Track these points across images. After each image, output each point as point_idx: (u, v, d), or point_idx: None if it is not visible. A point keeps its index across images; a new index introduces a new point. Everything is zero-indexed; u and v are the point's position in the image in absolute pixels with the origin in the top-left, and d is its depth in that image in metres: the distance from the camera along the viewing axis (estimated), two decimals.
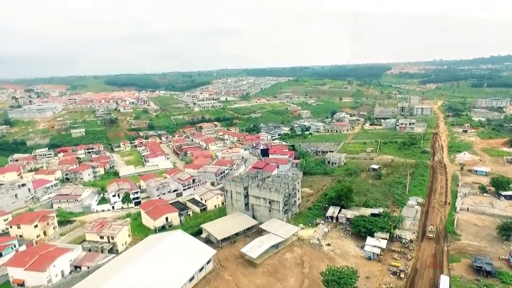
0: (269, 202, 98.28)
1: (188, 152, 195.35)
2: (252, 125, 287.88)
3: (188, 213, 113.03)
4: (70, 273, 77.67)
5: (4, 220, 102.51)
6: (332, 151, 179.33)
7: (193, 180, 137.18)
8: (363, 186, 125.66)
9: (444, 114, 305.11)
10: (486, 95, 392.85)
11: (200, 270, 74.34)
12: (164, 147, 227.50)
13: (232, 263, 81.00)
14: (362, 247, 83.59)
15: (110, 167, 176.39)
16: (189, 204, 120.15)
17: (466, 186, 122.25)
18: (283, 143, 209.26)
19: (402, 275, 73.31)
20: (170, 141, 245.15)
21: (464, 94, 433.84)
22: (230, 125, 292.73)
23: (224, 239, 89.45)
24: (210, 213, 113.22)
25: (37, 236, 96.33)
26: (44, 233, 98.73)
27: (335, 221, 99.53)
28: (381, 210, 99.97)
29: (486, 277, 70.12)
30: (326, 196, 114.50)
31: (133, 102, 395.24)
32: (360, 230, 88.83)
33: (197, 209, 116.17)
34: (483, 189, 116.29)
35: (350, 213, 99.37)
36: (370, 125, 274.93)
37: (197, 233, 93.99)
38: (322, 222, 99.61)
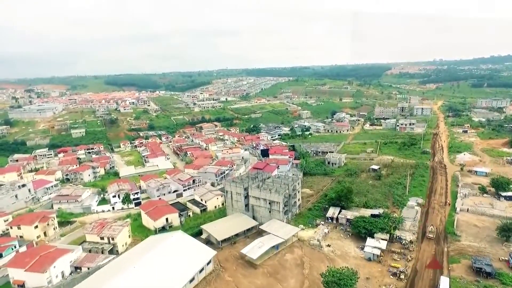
0: (269, 203, 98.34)
1: (188, 153, 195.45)
2: (252, 126, 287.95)
3: (188, 213, 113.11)
4: (70, 274, 77.70)
5: (5, 221, 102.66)
6: (332, 152, 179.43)
7: (193, 181, 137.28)
8: (363, 187, 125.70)
9: (444, 114, 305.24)
10: (486, 95, 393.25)
11: (200, 271, 74.38)
12: (164, 147, 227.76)
13: (232, 264, 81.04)
14: (362, 248, 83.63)
15: (110, 168, 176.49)
16: (189, 205, 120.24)
17: (466, 186, 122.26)
18: (283, 143, 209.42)
19: (402, 276, 73.33)
20: (170, 142, 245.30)
21: (464, 94, 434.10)
22: (230, 126, 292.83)
23: (224, 240, 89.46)
24: (210, 213, 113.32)
25: (38, 237, 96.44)
26: (45, 234, 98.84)
27: (335, 222, 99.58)
28: (381, 211, 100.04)
29: (486, 278, 70.11)
30: (326, 197, 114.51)
31: (133, 102, 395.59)
32: (360, 231, 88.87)
33: (197, 210, 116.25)
34: (483, 190, 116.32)
35: (350, 214, 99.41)
36: (370, 125, 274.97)
37: (197, 234, 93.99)
38: (322, 223, 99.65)
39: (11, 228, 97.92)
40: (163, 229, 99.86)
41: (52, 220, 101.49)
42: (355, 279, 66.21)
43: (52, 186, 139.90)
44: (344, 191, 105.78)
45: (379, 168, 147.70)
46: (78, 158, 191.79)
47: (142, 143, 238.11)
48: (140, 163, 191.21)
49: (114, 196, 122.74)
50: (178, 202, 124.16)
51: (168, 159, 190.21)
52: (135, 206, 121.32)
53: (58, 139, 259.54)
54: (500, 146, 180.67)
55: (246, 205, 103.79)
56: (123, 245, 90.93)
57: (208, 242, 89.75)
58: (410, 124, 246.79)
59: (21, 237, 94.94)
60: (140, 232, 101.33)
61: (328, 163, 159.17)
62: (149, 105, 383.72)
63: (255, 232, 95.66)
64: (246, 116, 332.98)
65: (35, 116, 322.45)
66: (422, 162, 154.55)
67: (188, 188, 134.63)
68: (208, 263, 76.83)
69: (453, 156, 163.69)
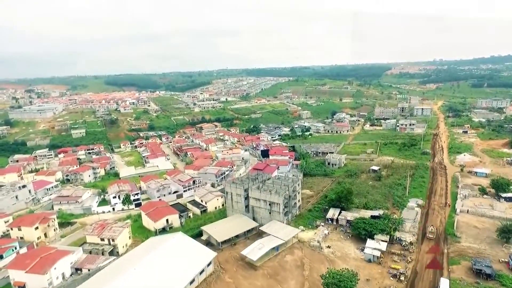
0: (270, 204, 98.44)
1: (188, 153, 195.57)
2: (252, 126, 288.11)
3: (189, 214, 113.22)
4: (71, 275, 77.80)
5: (5, 222, 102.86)
6: (332, 152, 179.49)
7: (194, 182, 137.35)
8: (363, 188, 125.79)
9: (444, 114, 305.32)
10: (486, 95, 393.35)
11: (201, 272, 74.54)
12: (164, 147, 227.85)
13: (232, 265, 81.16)
14: (362, 250, 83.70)
15: (111, 168, 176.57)
16: (189, 206, 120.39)
17: (466, 187, 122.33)
18: (284, 144, 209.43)
19: (402, 278, 73.43)
20: (171, 142, 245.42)
21: (464, 94, 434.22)
22: (230, 126, 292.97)
23: (225, 241, 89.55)
24: (210, 214, 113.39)
25: (38, 238, 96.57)
26: (45, 235, 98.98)
27: (335, 223, 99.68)
28: (381, 212, 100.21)
29: (486, 280, 70.24)
30: (326, 198, 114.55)
31: (133, 102, 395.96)
32: (360, 233, 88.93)
33: (197, 211, 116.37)
34: (483, 191, 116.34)
35: (350, 215, 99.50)
36: (370, 125, 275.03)
37: (197, 235, 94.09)
38: (322, 224, 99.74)
39: (12, 229, 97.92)
40: (163, 230, 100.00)
41: (52, 221, 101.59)
42: (355, 281, 66.36)
43: (52, 187, 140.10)
44: (344, 192, 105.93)
45: (379, 169, 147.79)
46: (78, 159, 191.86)
47: (142, 143, 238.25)
48: (140, 163, 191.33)
49: (114, 197, 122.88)
50: (178, 203, 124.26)
51: (168, 159, 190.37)
52: (135, 207, 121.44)
53: (59, 139, 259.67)
54: (500, 147, 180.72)
55: (246, 206, 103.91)
56: (123, 247, 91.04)
57: (209, 243, 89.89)
58: (410, 124, 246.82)
59: (21, 238, 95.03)
60: (141, 233, 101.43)
61: (328, 163, 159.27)
62: (149, 105, 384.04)
63: (255, 234, 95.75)
64: (246, 117, 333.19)
65: (35, 116, 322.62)
66: (422, 163, 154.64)
67: (188, 189, 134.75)
68: (208, 265, 76.99)
69: (453, 157, 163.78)
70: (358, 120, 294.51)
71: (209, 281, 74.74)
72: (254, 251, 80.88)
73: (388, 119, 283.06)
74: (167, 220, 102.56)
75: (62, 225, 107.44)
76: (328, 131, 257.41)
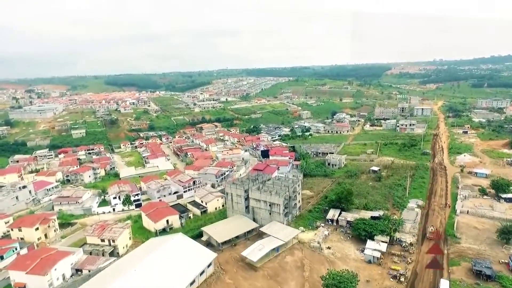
0: (270, 205, 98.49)
1: (188, 153, 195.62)
2: (252, 126, 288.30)
3: (189, 215, 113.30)
4: (71, 276, 77.87)
5: (5, 223, 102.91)
6: (332, 153, 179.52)
7: (194, 182, 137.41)
8: (363, 188, 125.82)
9: (444, 114, 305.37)
10: (486, 96, 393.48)
11: (201, 273, 74.54)
12: (164, 148, 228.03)
13: (232, 266, 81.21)
14: (362, 251, 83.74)
15: (111, 168, 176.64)
16: (189, 206, 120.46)
17: (466, 188, 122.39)
18: (284, 144, 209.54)
19: (402, 279, 73.47)
20: (171, 142, 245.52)
21: (465, 94, 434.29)
22: (230, 126, 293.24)
23: (225, 242, 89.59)
24: (210, 215, 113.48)
25: (38, 239, 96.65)
26: (45, 235, 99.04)
27: (335, 224, 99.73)
28: (381, 213, 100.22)
29: (486, 281, 70.27)
30: (326, 199, 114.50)
31: (133, 102, 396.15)
32: (360, 233, 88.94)
33: (197, 212, 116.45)
34: (483, 192, 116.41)
35: (350, 216, 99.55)
36: (371, 126, 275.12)
37: (197, 236, 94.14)
38: (323, 225, 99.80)
39: (12, 230, 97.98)
40: (163, 231, 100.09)
41: (52, 222, 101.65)
42: (355, 282, 66.43)
43: (52, 188, 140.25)
44: (344, 193, 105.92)
45: (379, 169, 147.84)
46: (78, 159, 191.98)
47: (142, 143, 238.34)
48: (140, 163, 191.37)
49: (114, 198, 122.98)
50: (179, 203, 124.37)
51: (168, 160, 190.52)
52: (136, 207, 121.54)
53: (59, 139, 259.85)
54: (500, 147, 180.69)
55: (247, 207, 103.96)
56: (123, 247, 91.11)
57: (209, 244, 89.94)
58: (410, 124, 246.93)
59: (22, 239, 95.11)
60: (141, 234, 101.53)
61: (328, 164, 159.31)
62: (149, 106, 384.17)
63: (256, 234, 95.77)
64: (246, 117, 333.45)
65: (36, 116, 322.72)
66: (422, 164, 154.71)
67: (189, 190, 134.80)
68: (208, 266, 77.01)
69: (453, 157, 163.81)
70: (358, 120, 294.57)
71: (210, 282, 74.77)
72: (254, 252, 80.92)
73: (388, 119, 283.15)
74: (167, 221, 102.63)
75: (62, 225, 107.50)
76: (328, 131, 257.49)
